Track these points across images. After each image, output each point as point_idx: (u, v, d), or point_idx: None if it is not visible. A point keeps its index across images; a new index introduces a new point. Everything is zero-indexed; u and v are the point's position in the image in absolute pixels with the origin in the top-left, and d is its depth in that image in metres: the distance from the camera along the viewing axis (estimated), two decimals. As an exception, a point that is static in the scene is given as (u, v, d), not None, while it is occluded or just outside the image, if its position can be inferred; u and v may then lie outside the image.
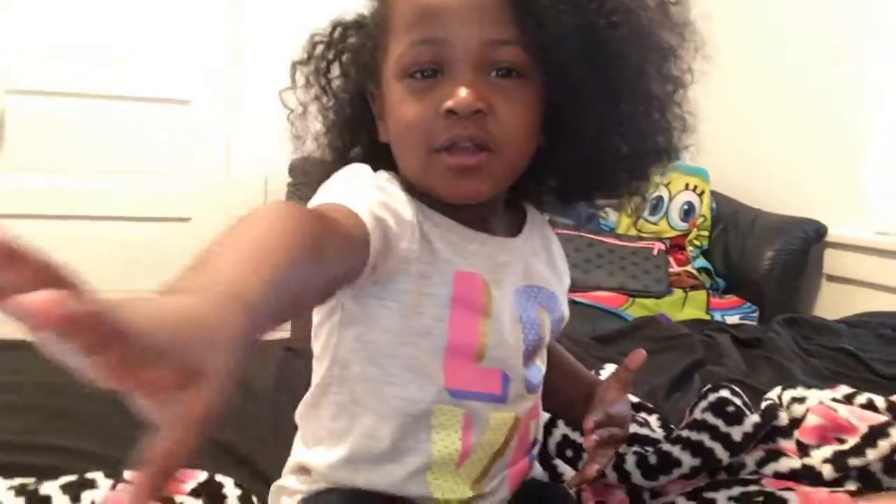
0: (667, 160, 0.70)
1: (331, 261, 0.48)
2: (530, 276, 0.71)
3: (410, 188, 0.65)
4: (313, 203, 0.57)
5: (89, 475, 0.81)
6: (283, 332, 1.70)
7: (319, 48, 0.72)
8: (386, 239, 0.56)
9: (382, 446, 0.66)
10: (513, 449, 0.70)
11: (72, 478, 0.80)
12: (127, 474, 0.82)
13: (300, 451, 0.73)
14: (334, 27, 0.73)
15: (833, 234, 2.32)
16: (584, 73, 0.61)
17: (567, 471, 0.90)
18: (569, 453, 0.94)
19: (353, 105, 0.71)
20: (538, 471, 0.83)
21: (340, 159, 0.72)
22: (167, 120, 2.60)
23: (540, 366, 0.74)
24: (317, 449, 0.70)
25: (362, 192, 0.58)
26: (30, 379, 1.06)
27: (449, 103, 0.59)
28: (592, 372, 1.15)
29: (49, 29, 2.44)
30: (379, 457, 0.66)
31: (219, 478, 0.83)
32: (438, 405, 0.65)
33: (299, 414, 0.74)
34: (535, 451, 0.77)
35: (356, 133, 0.73)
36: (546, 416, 0.96)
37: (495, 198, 0.69)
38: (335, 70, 0.72)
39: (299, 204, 0.51)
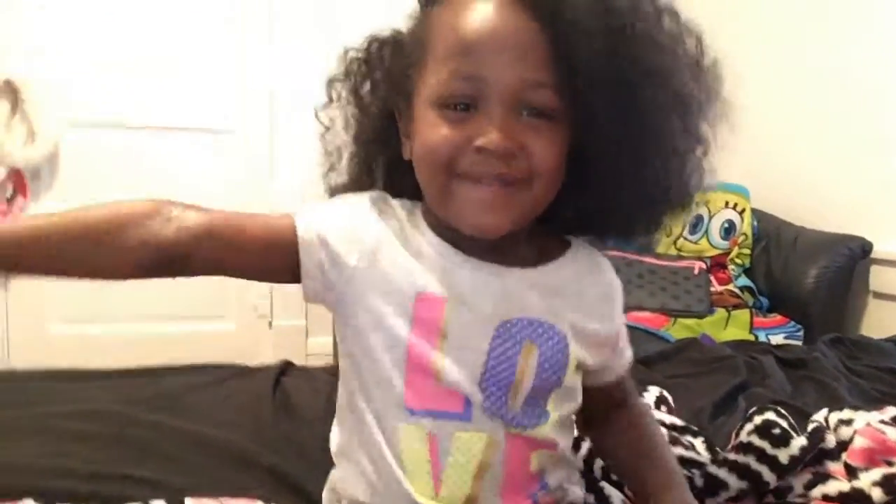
0: (680, 210, 0.71)
1: (139, 245, 0.64)
2: (532, 308, 0.68)
3: (426, 216, 0.71)
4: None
5: (153, 502, 0.85)
6: (331, 357, 1.74)
7: (355, 63, 0.75)
8: (329, 251, 0.67)
9: (371, 459, 0.69)
10: (499, 476, 0.68)
11: (135, 505, 0.84)
12: (188, 501, 0.86)
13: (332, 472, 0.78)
14: (370, 42, 0.75)
15: (879, 251, 2.29)
16: (611, 122, 0.63)
17: (613, 493, 0.90)
18: (614, 476, 0.94)
19: (381, 120, 0.74)
20: (578, 495, 0.78)
21: (366, 173, 0.76)
22: (208, 149, 2.69)
23: (545, 410, 0.70)
24: (338, 462, 0.75)
25: (327, 211, 0.70)
26: (99, 408, 1.11)
27: (481, 142, 0.62)
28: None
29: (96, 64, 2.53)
30: (371, 472, 0.69)
31: (273, 505, 0.86)
32: (401, 423, 0.67)
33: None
34: (543, 493, 0.72)
35: (381, 148, 0.75)
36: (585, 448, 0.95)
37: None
38: (367, 85, 0.74)
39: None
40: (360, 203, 0.71)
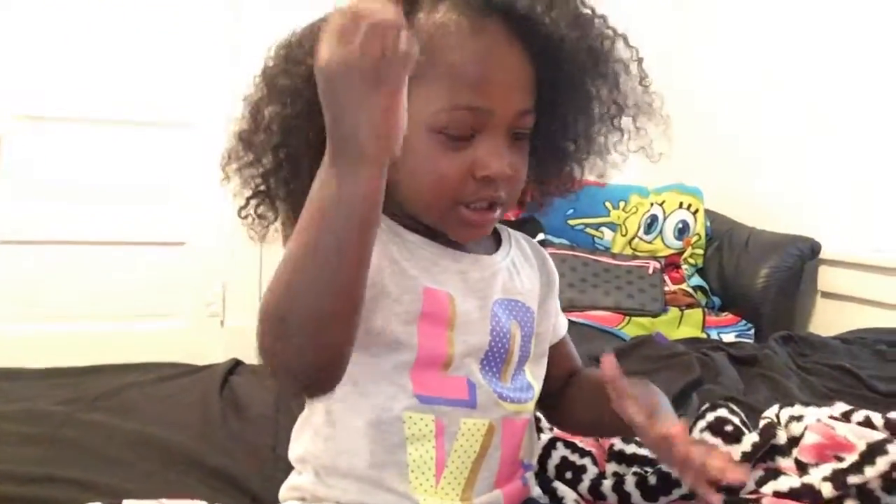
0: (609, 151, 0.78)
1: None
2: (508, 289, 0.75)
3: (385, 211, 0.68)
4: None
5: (89, 506, 0.81)
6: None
7: (282, 62, 0.69)
8: None
9: (361, 462, 0.68)
10: (496, 461, 0.71)
11: (71, 508, 0.80)
12: None
13: (292, 473, 0.75)
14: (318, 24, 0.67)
15: (827, 251, 2.34)
16: (564, 115, 0.72)
17: (567, 493, 0.89)
18: (568, 475, 0.93)
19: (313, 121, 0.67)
20: (537, 492, 0.82)
21: (297, 166, 0.70)
22: (164, 142, 2.61)
23: (528, 382, 0.75)
24: (304, 469, 0.72)
25: None
26: (34, 408, 1.06)
27: (487, 173, 0.65)
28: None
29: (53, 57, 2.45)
30: (361, 475, 0.68)
31: (217, 506, 0.83)
32: (408, 412, 0.67)
33: (292, 437, 0.76)
34: (530, 473, 0.77)
35: (314, 157, 0.68)
36: (544, 438, 0.97)
37: None
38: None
39: None
40: None
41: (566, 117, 0.72)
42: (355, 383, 0.67)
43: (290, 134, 0.68)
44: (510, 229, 0.82)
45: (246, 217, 0.74)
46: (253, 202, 0.73)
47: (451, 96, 0.64)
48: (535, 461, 0.79)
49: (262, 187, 0.72)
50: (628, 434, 0.86)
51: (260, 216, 0.74)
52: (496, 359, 0.71)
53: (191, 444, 1.00)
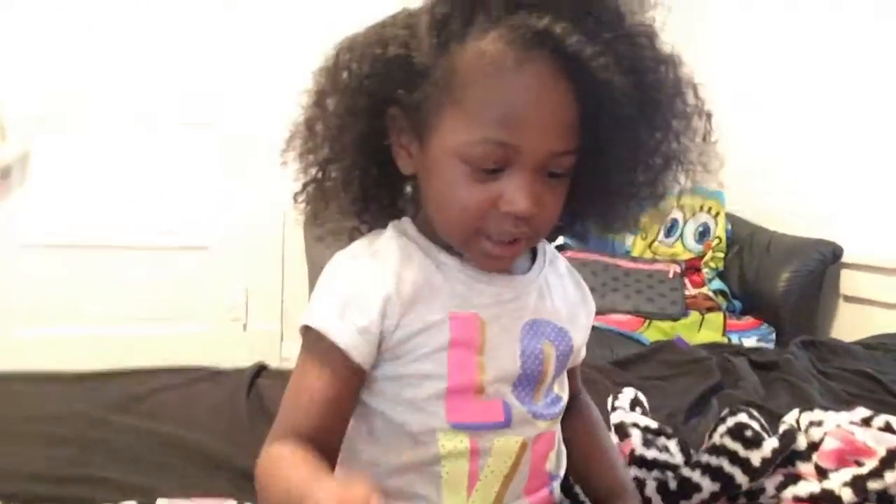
0: (654, 203, 0.74)
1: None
2: (539, 310, 0.74)
3: (425, 229, 0.71)
4: (311, 318, 0.67)
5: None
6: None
7: (346, 58, 0.68)
8: (372, 340, 0.67)
9: (396, 473, 0.70)
10: (525, 475, 0.72)
11: (105, 508, 0.83)
12: (159, 502, 0.84)
13: None
14: (368, 44, 0.66)
15: (849, 255, 2.32)
16: (615, 151, 0.68)
17: (587, 498, 0.90)
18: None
19: (368, 124, 0.68)
20: (558, 496, 0.84)
21: (351, 185, 0.71)
22: (185, 143, 2.64)
23: (557, 395, 0.77)
24: (342, 472, 0.73)
25: (336, 315, 0.67)
26: (65, 411, 1.09)
27: (511, 209, 0.64)
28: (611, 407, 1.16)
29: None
30: (394, 487, 0.69)
31: (248, 505, 0.85)
32: (443, 433, 0.69)
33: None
34: (556, 483, 0.78)
35: (368, 156, 0.71)
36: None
37: None
38: (358, 83, 0.67)
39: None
40: (361, 267, 0.69)
41: (610, 162, 0.69)
42: (388, 406, 0.70)
43: (350, 125, 0.69)
44: (547, 244, 0.81)
45: (301, 202, 0.75)
46: (309, 188, 0.73)
47: (482, 129, 0.62)
48: (562, 472, 0.80)
49: (320, 175, 0.72)
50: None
51: (312, 202, 0.75)
52: (529, 381, 0.72)
53: (219, 445, 1.03)
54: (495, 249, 0.67)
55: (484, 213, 0.65)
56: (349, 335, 0.66)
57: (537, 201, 0.64)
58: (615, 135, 0.66)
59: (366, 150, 0.70)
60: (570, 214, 0.75)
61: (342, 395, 0.68)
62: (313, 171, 0.73)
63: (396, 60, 0.64)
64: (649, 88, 0.64)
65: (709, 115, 0.69)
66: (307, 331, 0.68)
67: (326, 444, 0.68)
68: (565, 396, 0.79)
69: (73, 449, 0.99)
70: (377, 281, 0.67)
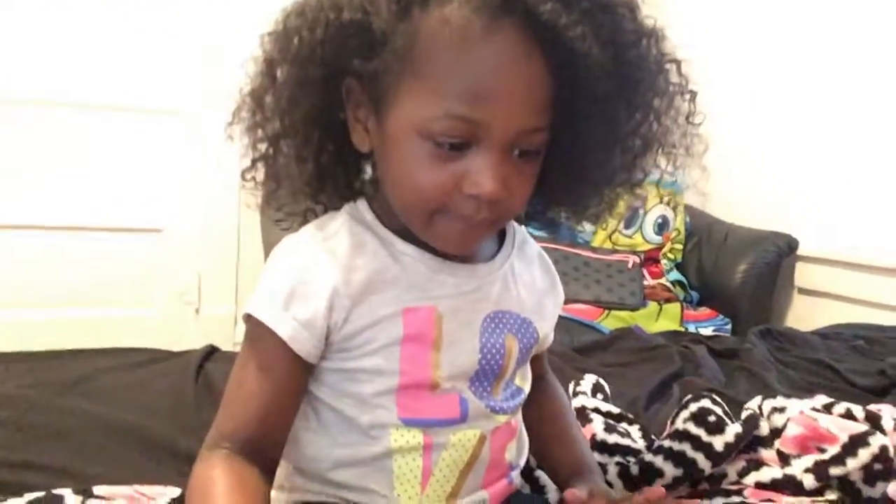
0: (631, 188, 0.70)
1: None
2: (502, 301, 0.71)
3: (383, 213, 0.67)
4: (253, 307, 0.63)
5: (57, 491, 0.78)
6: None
7: (297, 24, 0.61)
8: (317, 334, 0.63)
9: (344, 465, 0.67)
10: (483, 467, 0.69)
11: (39, 494, 0.77)
12: (97, 489, 0.80)
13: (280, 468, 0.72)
14: (321, 9, 0.60)
15: (804, 248, 2.36)
16: (590, 131, 0.63)
17: (548, 482, 0.88)
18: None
19: (322, 97, 0.63)
20: (519, 483, 0.82)
21: (304, 162, 0.66)
22: (147, 130, 2.56)
23: (518, 387, 0.74)
24: (284, 461, 0.70)
25: (280, 305, 0.62)
26: (6, 393, 1.03)
27: (475, 191, 0.59)
28: (572, 388, 1.15)
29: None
30: (342, 480, 0.67)
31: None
32: (394, 429, 0.66)
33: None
34: (516, 472, 0.76)
35: (324, 132, 0.65)
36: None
37: None
38: (310, 52, 0.61)
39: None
40: (309, 256, 0.64)
41: (585, 143, 0.64)
42: (337, 399, 0.66)
43: (302, 98, 0.62)
44: (516, 225, 0.77)
45: (250, 180, 0.69)
46: (259, 165, 0.68)
47: (446, 103, 0.57)
48: (522, 461, 0.77)
49: (271, 150, 0.67)
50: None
51: (260, 182, 0.69)
52: (487, 376, 0.69)
53: (164, 430, 0.98)
54: (457, 225, 0.62)
55: (446, 194, 0.59)
56: (292, 327, 0.62)
57: (504, 183, 0.59)
58: (591, 113, 0.61)
59: (319, 124, 0.64)
60: (541, 201, 0.71)
61: (283, 391, 0.64)
62: (263, 146, 0.67)
63: (352, 26, 0.58)
64: (629, 63, 0.59)
65: (693, 95, 0.65)
66: (249, 319, 0.64)
67: (268, 443, 0.65)
68: (526, 387, 0.75)
69: (10, 432, 0.94)
70: (325, 271, 0.63)
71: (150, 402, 1.06)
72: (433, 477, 0.67)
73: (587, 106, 0.60)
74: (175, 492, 0.81)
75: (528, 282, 0.74)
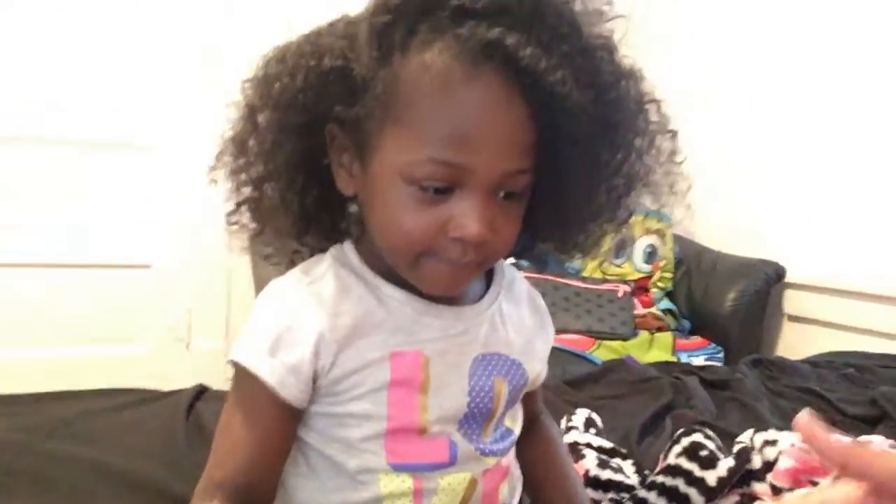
0: (617, 230, 0.71)
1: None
2: (490, 343, 0.70)
3: (369, 256, 0.67)
4: (239, 354, 0.63)
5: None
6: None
7: (277, 70, 0.63)
8: (304, 379, 0.63)
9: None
10: None
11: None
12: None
13: None
14: (300, 52, 0.62)
15: (792, 275, 2.37)
16: (574, 171, 0.63)
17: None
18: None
19: (303, 142, 0.63)
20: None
21: (288, 206, 0.66)
22: (127, 166, 2.56)
23: (507, 429, 0.73)
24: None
25: (266, 351, 0.62)
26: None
27: (460, 234, 0.59)
28: (564, 424, 1.15)
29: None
30: None
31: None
32: (384, 474, 0.65)
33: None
34: None
35: (307, 177, 0.65)
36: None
37: None
38: (292, 97, 0.62)
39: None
40: (294, 301, 0.65)
41: (569, 183, 0.64)
42: (325, 444, 0.66)
43: (285, 143, 0.63)
44: (505, 264, 0.77)
45: (234, 223, 0.70)
46: (243, 209, 0.68)
47: (428, 148, 0.57)
48: (515, 500, 0.77)
49: (255, 194, 0.67)
50: None
51: (245, 225, 0.69)
52: (476, 418, 0.68)
53: (155, 472, 0.97)
54: (442, 268, 0.61)
55: (431, 238, 0.59)
56: (278, 373, 0.62)
57: (490, 225, 0.59)
58: (574, 154, 0.61)
59: (303, 168, 0.64)
60: (528, 239, 0.71)
61: (272, 437, 0.64)
62: (247, 190, 0.67)
63: (333, 73, 0.59)
64: (609, 104, 0.60)
65: (673, 133, 0.66)
66: (236, 365, 0.64)
67: (258, 490, 0.64)
68: (517, 429, 0.75)
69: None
70: (311, 316, 0.63)
71: (140, 444, 1.05)
72: None
73: (569, 147, 0.60)
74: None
75: (517, 322, 0.74)
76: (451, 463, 0.67)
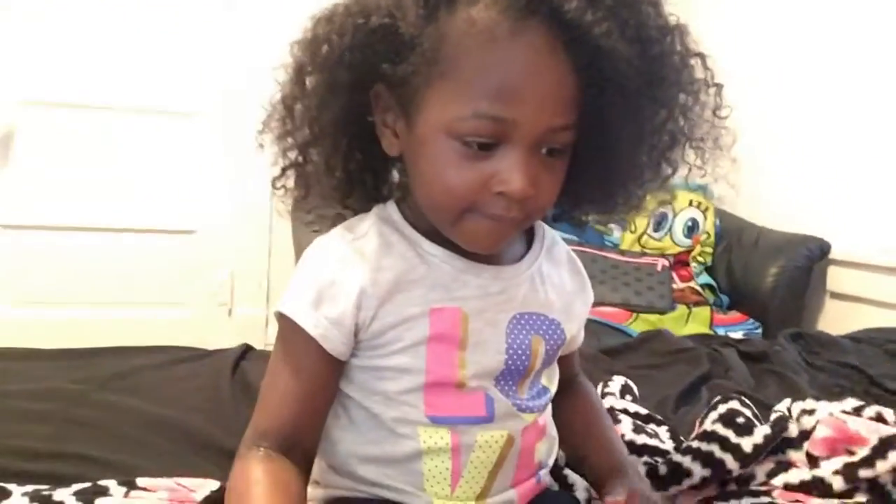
0: (660, 184, 0.71)
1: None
2: (529, 302, 0.71)
3: (411, 215, 0.69)
4: (285, 306, 0.65)
5: (102, 482, 0.81)
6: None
7: (326, 31, 0.63)
8: (346, 332, 0.65)
9: (375, 464, 0.69)
10: (513, 468, 0.71)
11: (86, 485, 0.80)
12: (140, 481, 0.83)
13: (315, 464, 0.74)
14: (348, 13, 0.62)
15: (836, 252, 2.33)
16: (618, 129, 0.64)
17: (577, 481, 0.89)
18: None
19: (352, 103, 0.64)
20: (548, 481, 0.83)
21: (334, 170, 0.68)
22: (173, 132, 2.61)
23: (544, 387, 0.75)
24: (323, 460, 0.72)
25: (310, 304, 0.65)
26: (50, 387, 1.07)
27: (504, 189, 0.60)
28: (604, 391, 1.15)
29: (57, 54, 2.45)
30: (374, 478, 0.69)
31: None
32: (423, 427, 0.67)
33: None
34: (545, 470, 0.77)
35: (354, 139, 0.67)
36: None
37: None
38: (339, 58, 0.62)
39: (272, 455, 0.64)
40: (338, 256, 0.66)
41: (612, 140, 0.65)
42: (366, 396, 0.68)
43: (331, 103, 0.64)
44: (545, 227, 0.78)
45: (280, 188, 0.71)
46: (289, 173, 0.70)
47: (474, 103, 0.58)
48: (552, 460, 0.79)
49: (300, 158, 0.68)
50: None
51: (290, 189, 0.71)
52: (513, 375, 0.70)
53: (203, 425, 1.01)
54: (485, 225, 0.63)
55: (475, 193, 0.61)
56: (322, 326, 0.64)
57: (533, 181, 0.60)
58: (618, 109, 0.62)
59: (348, 130, 0.66)
60: (570, 200, 0.72)
61: (316, 388, 0.67)
62: (293, 154, 0.69)
63: (380, 31, 0.59)
64: (654, 59, 0.60)
65: (718, 88, 0.66)
66: (282, 317, 0.66)
67: (303, 440, 0.67)
68: (553, 387, 0.76)
69: (53, 426, 0.97)
70: (353, 271, 0.65)
71: (188, 398, 1.09)
72: (462, 478, 0.68)
73: (613, 103, 0.61)
74: (214, 485, 0.83)
75: (556, 284, 0.75)
76: (490, 418, 0.68)
